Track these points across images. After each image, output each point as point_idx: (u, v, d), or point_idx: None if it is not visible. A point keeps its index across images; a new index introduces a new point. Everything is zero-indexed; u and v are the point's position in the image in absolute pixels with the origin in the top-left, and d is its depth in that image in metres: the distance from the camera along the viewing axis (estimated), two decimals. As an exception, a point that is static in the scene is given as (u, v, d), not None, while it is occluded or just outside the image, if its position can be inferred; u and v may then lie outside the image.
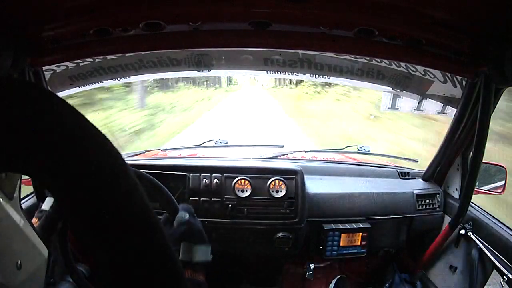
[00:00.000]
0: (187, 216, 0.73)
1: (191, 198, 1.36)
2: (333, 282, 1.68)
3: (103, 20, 1.00)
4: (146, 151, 1.79)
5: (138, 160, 1.64)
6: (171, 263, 0.30)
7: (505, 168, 1.45)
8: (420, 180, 1.59)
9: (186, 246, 0.67)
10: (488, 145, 1.14)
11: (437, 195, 1.51)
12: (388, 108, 1.48)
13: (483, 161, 1.21)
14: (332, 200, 1.44)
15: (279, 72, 1.45)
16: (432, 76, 1.31)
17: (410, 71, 1.33)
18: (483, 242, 1.23)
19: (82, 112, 0.29)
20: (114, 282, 0.29)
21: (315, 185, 1.47)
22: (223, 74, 1.65)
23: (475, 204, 1.36)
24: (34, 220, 0.93)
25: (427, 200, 1.51)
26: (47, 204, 1.01)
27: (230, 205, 1.35)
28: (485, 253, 1.20)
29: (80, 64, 1.31)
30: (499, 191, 1.45)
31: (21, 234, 0.47)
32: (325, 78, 1.44)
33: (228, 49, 1.35)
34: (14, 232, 0.45)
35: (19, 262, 0.43)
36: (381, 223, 1.46)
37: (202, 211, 1.35)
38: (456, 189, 1.44)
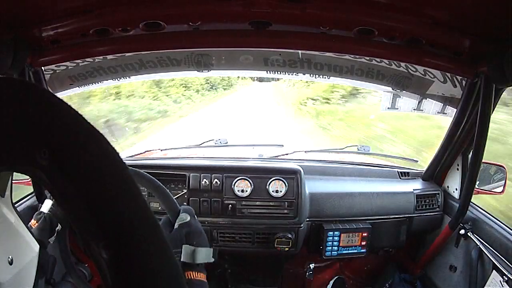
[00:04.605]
0: (188, 218, 0.73)
1: (191, 198, 1.36)
2: (331, 283, 1.68)
3: (103, 20, 1.00)
4: (146, 151, 1.79)
5: (137, 160, 1.64)
6: (169, 260, 0.30)
7: (505, 168, 1.45)
8: (420, 180, 1.59)
9: (188, 248, 0.67)
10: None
11: (437, 195, 1.51)
12: (388, 108, 1.48)
13: (483, 161, 1.21)
14: (332, 200, 1.44)
15: (279, 72, 1.45)
16: (432, 76, 1.31)
17: (410, 71, 1.33)
18: (483, 242, 1.23)
19: None
20: (114, 279, 0.29)
21: (315, 185, 1.47)
22: (223, 74, 1.64)
23: (475, 204, 1.36)
24: (32, 222, 0.93)
25: (427, 200, 1.51)
26: (46, 206, 1.00)
27: (230, 205, 1.35)
28: (485, 253, 1.20)
29: (80, 64, 1.31)
30: (499, 191, 1.45)
31: (13, 230, 0.48)
32: (325, 78, 1.43)
33: (228, 49, 1.35)
34: (5, 228, 0.45)
35: (11, 257, 0.43)
36: (381, 223, 1.46)
37: (202, 211, 1.35)
38: (456, 189, 1.44)
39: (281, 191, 1.36)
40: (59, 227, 1.02)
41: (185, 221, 0.72)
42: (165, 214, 0.83)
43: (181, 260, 0.66)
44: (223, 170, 1.39)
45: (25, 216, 1.01)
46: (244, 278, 1.67)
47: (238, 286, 1.65)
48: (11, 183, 0.50)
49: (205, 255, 0.68)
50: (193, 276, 0.64)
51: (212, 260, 0.69)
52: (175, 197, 0.79)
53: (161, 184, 0.77)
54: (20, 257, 0.46)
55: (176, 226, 0.72)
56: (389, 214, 1.47)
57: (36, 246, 0.53)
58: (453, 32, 1.01)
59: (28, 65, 1.09)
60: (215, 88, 13.88)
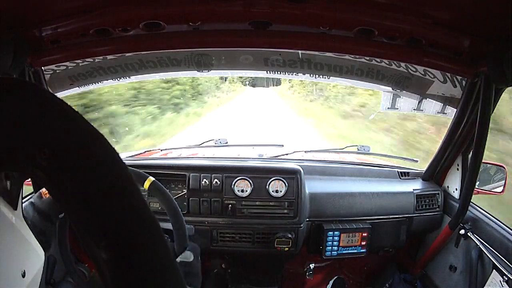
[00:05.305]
0: (192, 257, 0.74)
1: (191, 198, 1.36)
2: (331, 283, 1.68)
3: (103, 20, 1.00)
4: (146, 151, 1.79)
5: (138, 160, 1.64)
6: (169, 261, 0.30)
7: (505, 168, 1.45)
8: (420, 180, 1.59)
9: None
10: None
11: (437, 195, 1.51)
12: (388, 108, 1.48)
13: (483, 161, 1.21)
14: (332, 200, 1.44)
15: (279, 73, 1.45)
16: (432, 76, 1.31)
17: (410, 71, 1.33)
18: (483, 242, 1.23)
19: None
20: (113, 279, 0.29)
21: (315, 185, 1.47)
22: (222, 74, 1.64)
23: (475, 204, 1.36)
24: (44, 191, 0.90)
25: (427, 200, 1.51)
26: None
27: (230, 205, 1.35)
28: (485, 253, 1.20)
29: (80, 64, 1.31)
30: (499, 191, 1.45)
31: (25, 243, 0.48)
32: (325, 78, 1.43)
33: (228, 49, 1.35)
34: (19, 242, 0.46)
35: (23, 270, 0.44)
36: (381, 223, 1.46)
37: (202, 211, 1.35)
38: (456, 189, 1.44)
39: (281, 191, 1.36)
40: None
41: (188, 260, 0.73)
42: (164, 213, 0.83)
43: None
44: (223, 170, 1.39)
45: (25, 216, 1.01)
46: (244, 278, 1.67)
47: (238, 286, 1.65)
48: (22, 194, 0.50)
49: None
50: None
51: None
52: (175, 197, 0.79)
53: (181, 215, 0.77)
54: (31, 268, 0.46)
55: (178, 260, 0.73)
56: (389, 214, 1.47)
57: (42, 253, 0.54)
58: (453, 32, 1.01)
59: (28, 65, 1.09)
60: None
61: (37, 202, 0.88)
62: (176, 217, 0.78)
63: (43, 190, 0.90)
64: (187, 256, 0.73)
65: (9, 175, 0.40)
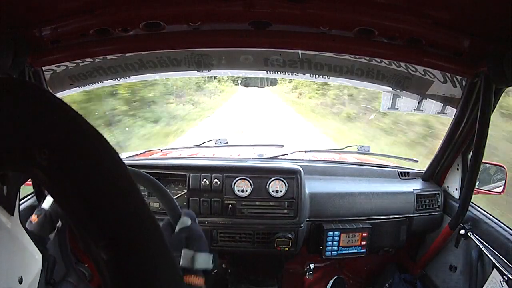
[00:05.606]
0: (189, 222, 0.73)
1: (191, 198, 1.36)
2: (330, 282, 1.68)
3: (103, 20, 1.00)
4: (146, 151, 1.79)
5: (138, 160, 1.64)
6: (168, 261, 0.30)
7: (505, 168, 1.45)
8: (420, 180, 1.59)
9: (187, 253, 0.67)
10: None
11: (437, 195, 1.51)
12: (388, 108, 1.48)
13: (483, 161, 1.21)
14: (332, 200, 1.44)
15: (279, 73, 1.45)
16: (432, 76, 1.31)
17: (410, 71, 1.33)
18: (483, 242, 1.23)
19: None
20: (113, 279, 0.29)
21: (315, 185, 1.47)
22: (223, 74, 1.64)
23: (475, 204, 1.36)
24: (33, 217, 0.92)
25: (427, 200, 1.51)
26: (47, 203, 1.01)
27: (230, 205, 1.35)
28: (485, 253, 1.20)
29: (80, 64, 1.31)
30: (499, 191, 1.45)
31: (22, 248, 0.48)
32: (325, 78, 1.43)
33: (228, 49, 1.35)
34: (16, 248, 0.45)
35: (20, 276, 0.43)
36: (381, 223, 1.46)
37: (202, 211, 1.35)
38: (456, 189, 1.44)
39: (281, 191, 1.36)
40: (59, 223, 1.02)
41: (186, 225, 0.72)
42: (165, 213, 0.83)
43: (180, 264, 0.66)
44: (223, 170, 1.39)
45: (25, 216, 1.01)
46: (244, 278, 1.67)
47: (238, 286, 1.65)
48: (19, 199, 0.50)
49: (204, 260, 0.68)
50: (192, 280, 0.64)
51: (211, 266, 0.69)
52: (175, 197, 0.79)
53: (164, 187, 0.77)
54: (28, 273, 0.46)
55: (176, 230, 0.72)
56: (389, 214, 1.47)
57: (40, 257, 0.53)
58: (453, 32, 1.01)
59: (28, 65, 1.10)
60: None
61: (29, 226, 0.90)
62: (159, 191, 0.77)
63: (33, 216, 0.92)
64: (185, 221, 0.73)
65: (5, 179, 0.40)
